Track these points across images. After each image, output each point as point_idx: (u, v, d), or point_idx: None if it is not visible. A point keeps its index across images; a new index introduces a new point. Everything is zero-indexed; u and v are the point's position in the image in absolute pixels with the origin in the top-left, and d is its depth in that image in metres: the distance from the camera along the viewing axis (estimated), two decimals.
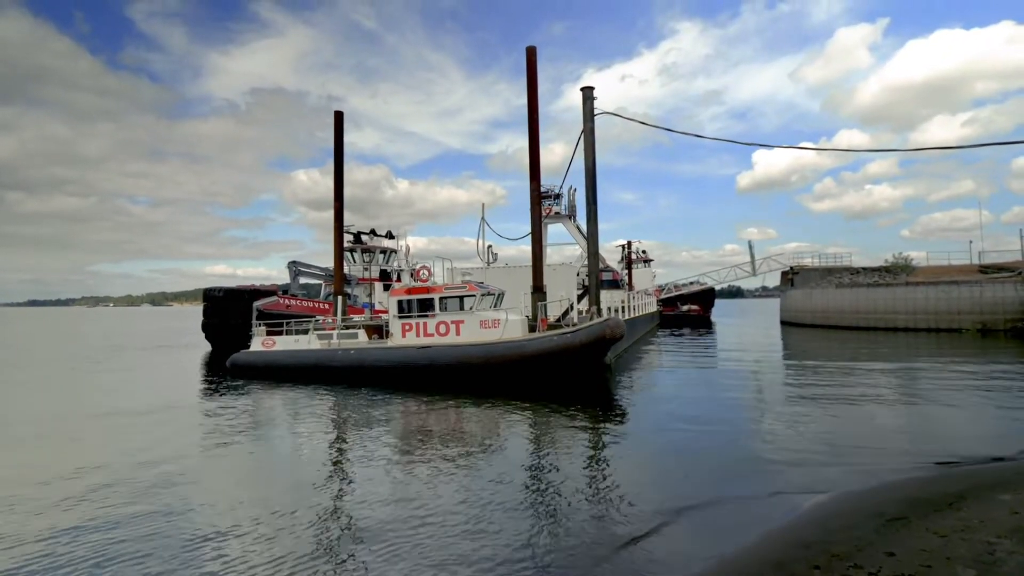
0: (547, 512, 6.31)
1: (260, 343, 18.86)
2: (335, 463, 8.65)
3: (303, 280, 35.96)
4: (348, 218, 27.57)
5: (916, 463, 7.94)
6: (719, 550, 5.26)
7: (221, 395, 14.99)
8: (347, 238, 32.59)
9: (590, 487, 7.18)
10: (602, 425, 10.67)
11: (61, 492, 7.18)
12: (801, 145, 22.91)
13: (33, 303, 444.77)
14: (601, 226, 18.09)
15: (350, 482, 7.60)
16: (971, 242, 42.67)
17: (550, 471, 7.91)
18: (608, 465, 8.22)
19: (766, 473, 7.54)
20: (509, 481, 7.38)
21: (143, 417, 12.24)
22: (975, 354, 21.68)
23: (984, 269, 35.89)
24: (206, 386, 17.00)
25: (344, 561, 5.19)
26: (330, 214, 23.67)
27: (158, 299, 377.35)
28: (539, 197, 18.26)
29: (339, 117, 23.50)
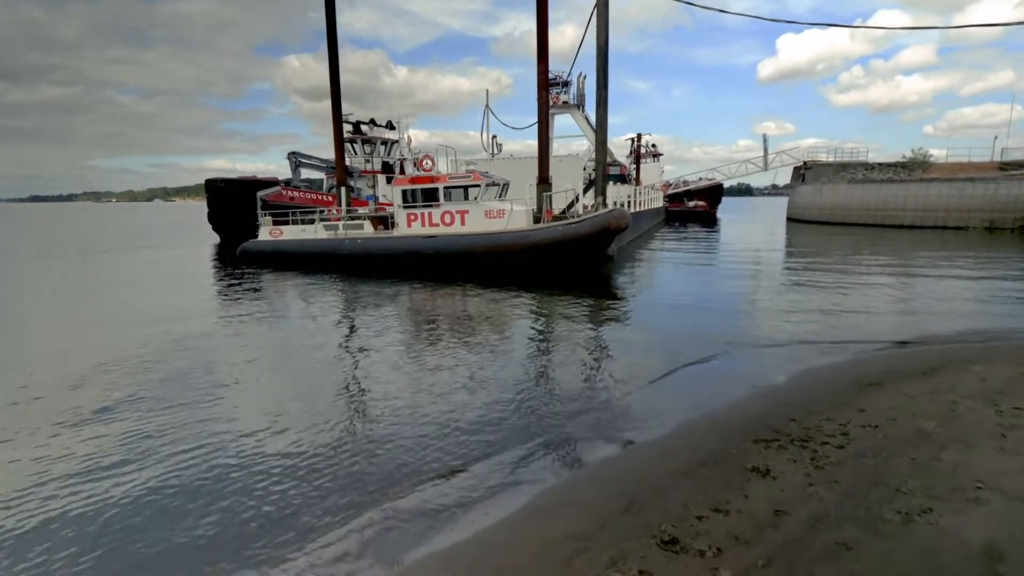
0: (548, 377, 6.86)
1: (268, 232, 19.12)
2: (348, 344, 9.21)
3: (305, 173, 35.36)
4: (346, 108, 26.45)
5: (899, 339, 8.40)
6: (708, 406, 5.79)
7: (237, 280, 15.50)
8: (346, 128, 31.50)
9: (587, 357, 7.71)
10: (601, 308, 11.13)
11: (87, 375, 7.77)
12: (832, 23, 21.29)
13: (35, 199, 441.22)
14: (611, 118, 17.42)
15: (363, 362, 8.14)
16: (995, 138, 40.72)
17: (550, 345, 8.43)
18: (605, 340, 8.72)
19: (755, 346, 8.02)
20: (513, 354, 7.91)
21: (168, 301, 12.83)
22: (976, 249, 21.78)
23: (1004, 166, 34.80)
24: (221, 272, 17.54)
25: (359, 432, 5.77)
26: (327, 105, 22.69)
27: (160, 194, 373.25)
28: (546, 80, 17.36)
29: None
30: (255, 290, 14.06)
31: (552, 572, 3.17)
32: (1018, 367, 6.60)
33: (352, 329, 9.94)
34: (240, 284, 15.00)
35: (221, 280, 16.07)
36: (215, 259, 22.20)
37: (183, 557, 3.52)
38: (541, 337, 9.01)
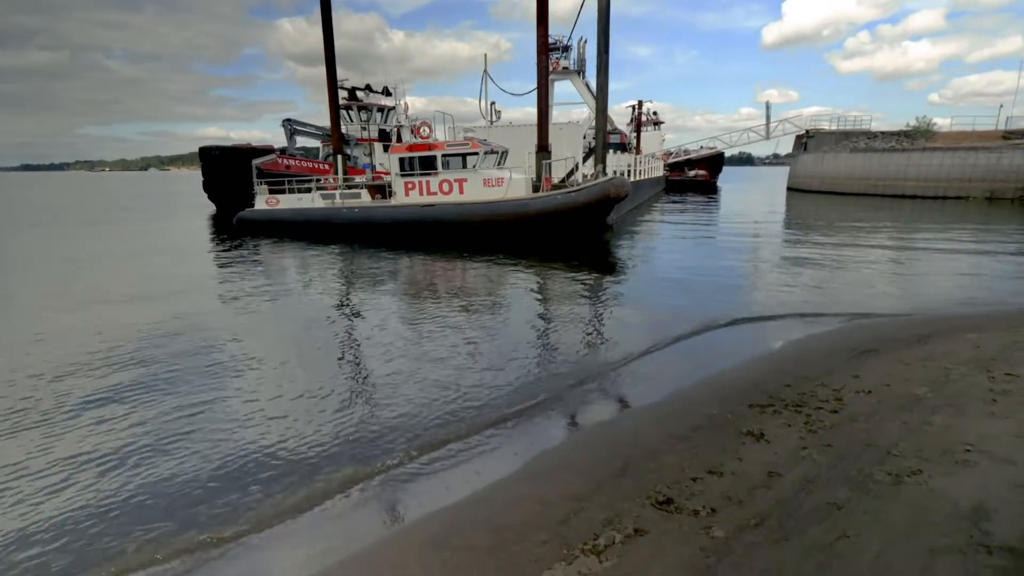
0: (545, 344, 6.91)
1: (264, 201, 18.94)
2: (348, 314, 9.23)
3: (300, 141, 34.84)
4: (341, 74, 25.84)
5: (896, 309, 8.44)
6: (705, 373, 5.85)
7: (235, 250, 15.42)
8: (342, 95, 30.87)
9: (585, 326, 7.75)
10: (600, 278, 11.12)
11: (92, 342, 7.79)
12: None
13: (27, 167, 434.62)
14: (612, 85, 17.02)
15: (363, 331, 8.17)
16: (1001, 107, 40.27)
17: (548, 314, 8.45)
18: (603, 310, 8.75)
19: (753, 317, 8.06)
20: (511, 322, 7.95)
21: (170, 269, 12.81)
22: (976, 219, 21.70)
23: (1008, 135, 34.34)
24: (218, 242, 17.44)
25: (359, 397, 5.82)
26: (321, 70, 22.09)
27: (153, 163, 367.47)
28: (546, 44, 16.92)
29: None
30: (254, 261, 14.00)
31: (549, 531, 3.25)
32: (1012, 335, 6.66)
33: (351, 299, 9.95)
34: (238, 255, 14.93)
35: (219, 250, 15.98)
36: (212, 229, 22.04)
37: (190, 517, 3.60)
38: (539, 306, 9.04)
